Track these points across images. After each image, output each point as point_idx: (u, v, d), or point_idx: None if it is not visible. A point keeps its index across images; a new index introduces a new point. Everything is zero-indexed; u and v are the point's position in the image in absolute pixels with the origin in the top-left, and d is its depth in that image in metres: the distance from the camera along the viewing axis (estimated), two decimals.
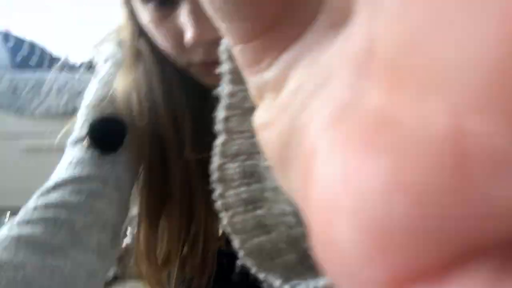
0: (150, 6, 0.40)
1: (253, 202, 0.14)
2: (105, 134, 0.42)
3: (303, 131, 0.08)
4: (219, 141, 0.14)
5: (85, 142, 0.41)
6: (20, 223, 0.34)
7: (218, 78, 0.41)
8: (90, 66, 2.56)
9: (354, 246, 0.06)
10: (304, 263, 0.22)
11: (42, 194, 0.38)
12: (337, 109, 0.07)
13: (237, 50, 0.10)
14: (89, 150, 0.41)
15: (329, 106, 0.08)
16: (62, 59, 2.38)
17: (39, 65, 2.14)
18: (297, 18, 0.09)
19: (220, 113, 0.14)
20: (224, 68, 0.14)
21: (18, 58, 2.09)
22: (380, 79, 0.06)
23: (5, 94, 1.86)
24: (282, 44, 0.10)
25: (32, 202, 0.38)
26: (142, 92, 0.44)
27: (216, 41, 0.35)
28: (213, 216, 0.47)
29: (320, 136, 0.07)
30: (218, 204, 0.15)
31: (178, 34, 0.40)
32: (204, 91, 0.46)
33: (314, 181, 0.07)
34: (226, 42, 0.15)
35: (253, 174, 0.14)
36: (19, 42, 2.15)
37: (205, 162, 0.47)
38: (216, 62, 0.37)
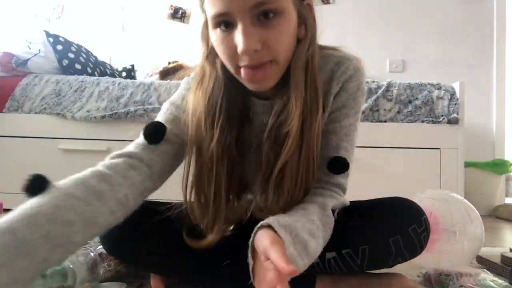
0: (218, 30, 0.63)
1: None
2: (152, 132, 0.72)
3: None
4: None
5: (141, 135, 0.72)
6: (98, 167, 0.66)
7: (258, 86, 0.64)
8: (130, 72, 2.59)
9: None
10: None
11: (112, 157, 0.68)
12: None
13: None
14: (143, 140, 0.72)
15: None
16: (105, 64, 2.44)
17: (84, 68, 2.20)
18: None
19: None
20: None
21: (65, 62, 2.15)
22: None
23: (50, 97, 1.92)
24: None
25: (107, 159, 0.68)
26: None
27: (256, 51, 0.60)
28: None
29: None
30: None
31: (233, 47, 0.62)
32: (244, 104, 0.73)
33: None
34: None
35: None
36: (67, 45, 2.21)
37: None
38: (256, 66, 0.62)
